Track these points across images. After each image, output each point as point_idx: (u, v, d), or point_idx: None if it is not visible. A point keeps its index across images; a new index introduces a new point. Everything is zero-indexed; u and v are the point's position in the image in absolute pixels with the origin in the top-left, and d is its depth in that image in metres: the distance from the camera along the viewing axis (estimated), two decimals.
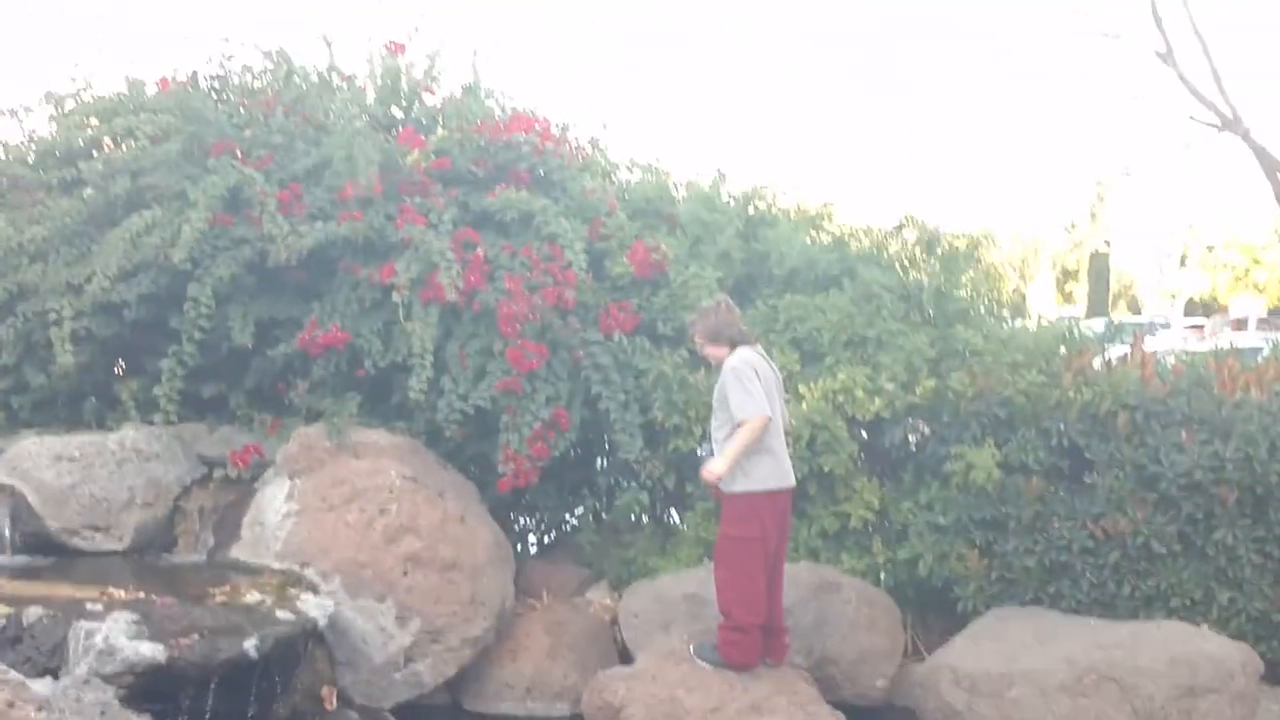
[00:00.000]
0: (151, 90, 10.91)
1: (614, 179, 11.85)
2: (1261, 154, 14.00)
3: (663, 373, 9.65)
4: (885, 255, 10.77)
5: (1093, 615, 8.81)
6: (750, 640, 7.84)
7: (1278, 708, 8.54)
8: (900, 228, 11.14)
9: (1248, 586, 8.70)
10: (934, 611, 9.61)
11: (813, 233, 11.07)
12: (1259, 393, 9.04)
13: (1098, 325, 11.33)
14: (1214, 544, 8.72)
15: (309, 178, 10.18)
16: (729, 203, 11.16)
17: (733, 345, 7.98)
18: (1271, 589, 8.68)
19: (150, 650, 7.17)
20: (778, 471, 7.83)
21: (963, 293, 10.36)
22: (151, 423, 9.91)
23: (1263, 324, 48.75)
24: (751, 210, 11.09)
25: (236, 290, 9.85)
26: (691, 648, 8.04)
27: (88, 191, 10.33)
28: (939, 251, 10.86)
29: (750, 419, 7.69)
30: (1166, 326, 46.68)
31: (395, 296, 9.51)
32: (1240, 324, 48.08)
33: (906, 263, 10.81)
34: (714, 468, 7.85)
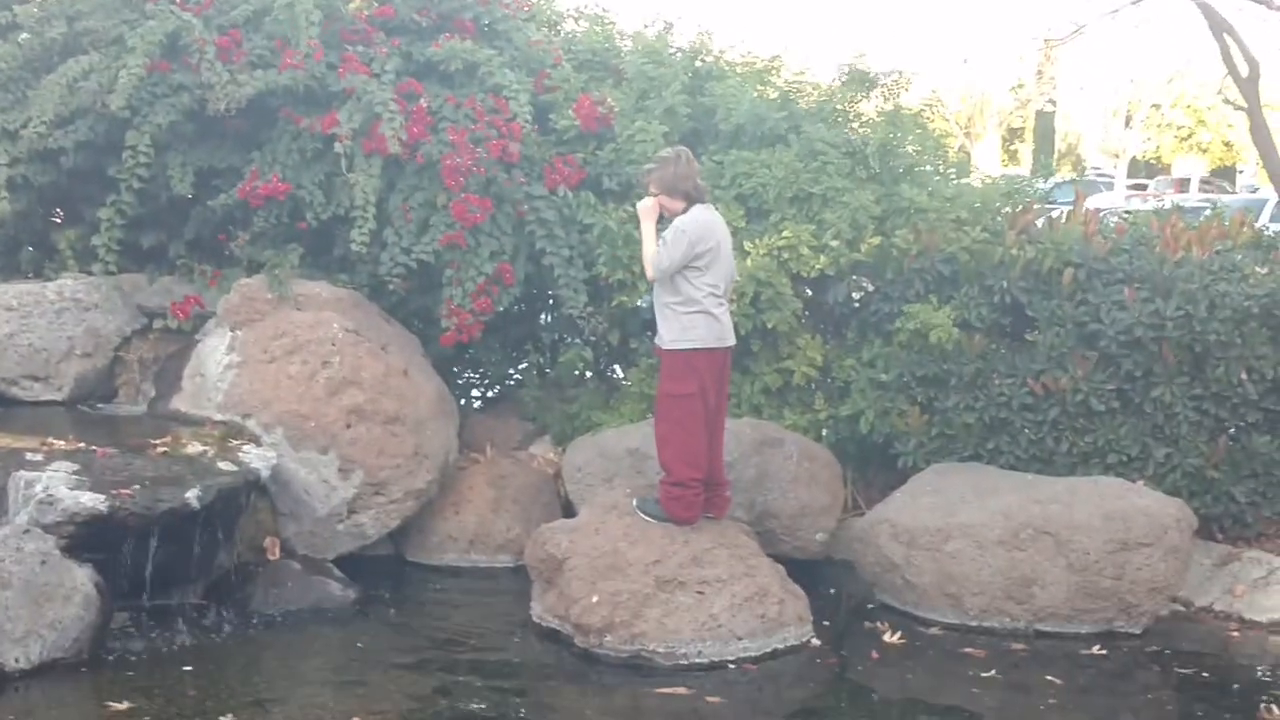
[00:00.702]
0: None
1: (560, 30, 11.71)
2: (1208, 12, 13.99)
3: (607, 228, 9.60)
4: (832, 110, 10.69)
5: (1031, 471, 8.91)
6: (691, 495, 7.87)
7: (1209, 562, 8.71)
8: (847, 81, 11.04)
9: (1184, 443, 8.80)
10: (875, 467, 9.70)
11: (760, 87, 10.97)
12: (1200, 251, 9.09)
13: (1043, 185, 11.36)
14: (1152, 401, 8.81)
15: (249, 25, 9.98)
16: (675, 54, 11.05)
17: (688, 200, 7.85)
18: (1206, 445, 8.79)
19: (91, 500, 7.17)
20: (715, 330, 7.79)
21: (909, 149, 10.33)
22: (90, 273, 9.81)
23: (1205, 184, 48.89)
24: (699, 63, 10.98)
25: (175, 138, 9.70)
26: (634, 502, 8.06)
27: (23, 36, 10.12)
28: (877, 87, 10.84)
29: (654, 267, 7.77)
30: (1110, 186, 46.77)
31: (337, 147, 9.38)
32: (1183, 184, 48.20)
33: (851, 118, 10.76)
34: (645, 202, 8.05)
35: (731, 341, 7.97)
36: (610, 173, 10.02)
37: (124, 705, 6.54)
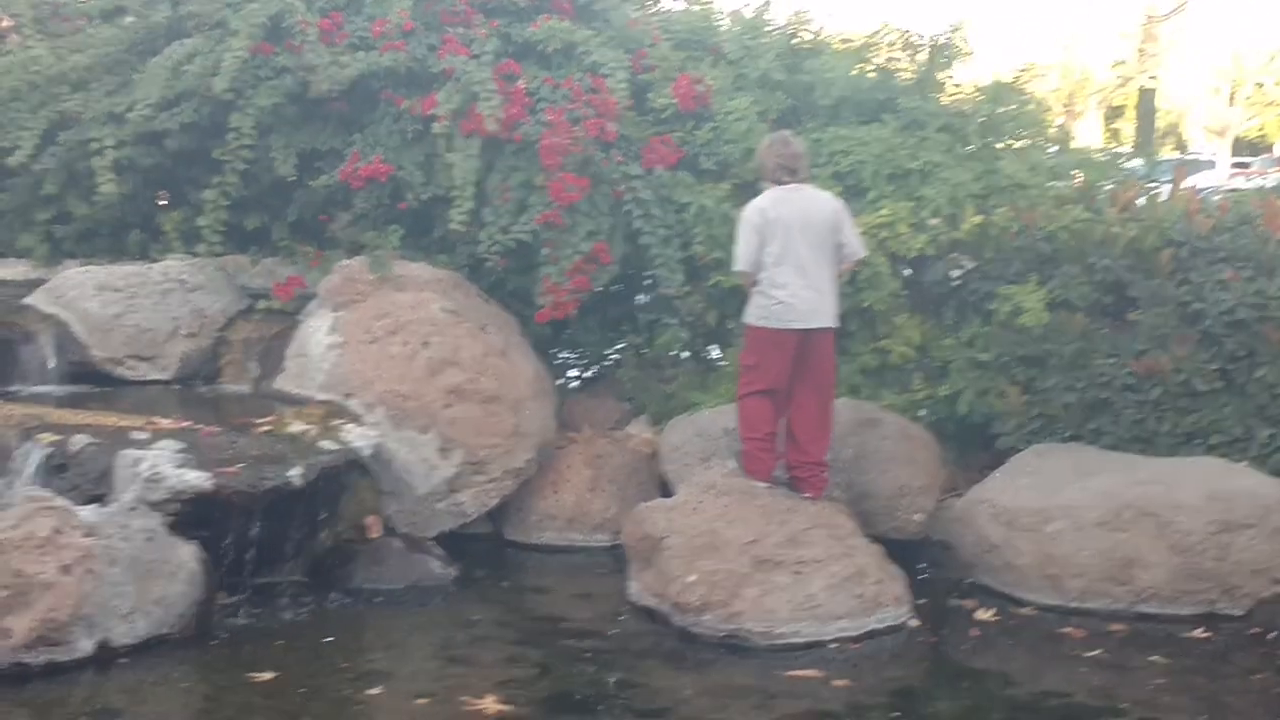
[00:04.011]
0: None
1: (657, 9, 11.70)
2: None
3: (704, 207, 9.59)
4: (929, 84, 10.61)
5: (1132, 452, 8.82)
6: (753, 455, 8.16)
7: None
8: (944, 52, 10.91)
9: None
10: (973, 448, 9.63)
11: (859, 65, 10.90)
12: None
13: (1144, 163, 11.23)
14: (1256, 381, 8.68)
15: (349, 7, 10.10)
16: (773, 32, 10.99)
17: (774, 183, 8.05)
18: None
19: (196, 478, 7.30)
20: (778, 311, 7.95)
21: (1009, 125, 10.24)
22: (195, 254, 9.95)
23: None
24: (796, 40, 10.93)
25: (278, 120, 9.82)
26: (733, 460, 8.43)
27: (129, 19, 10.28)
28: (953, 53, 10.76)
29: (735, 269, 8.26)
30: (1212, 165, 46.12)
31: (436, 128, 9.46)
32: None
33: (949, 92, 10.69)
34: None
35: (801, 325, 7.98)
36: (708, 152, 10.01)
37: (268, 676, 6.68)
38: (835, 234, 8.06)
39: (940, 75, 10.81)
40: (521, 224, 9.43)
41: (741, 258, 8.06)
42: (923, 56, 10.99)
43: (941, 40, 10.92)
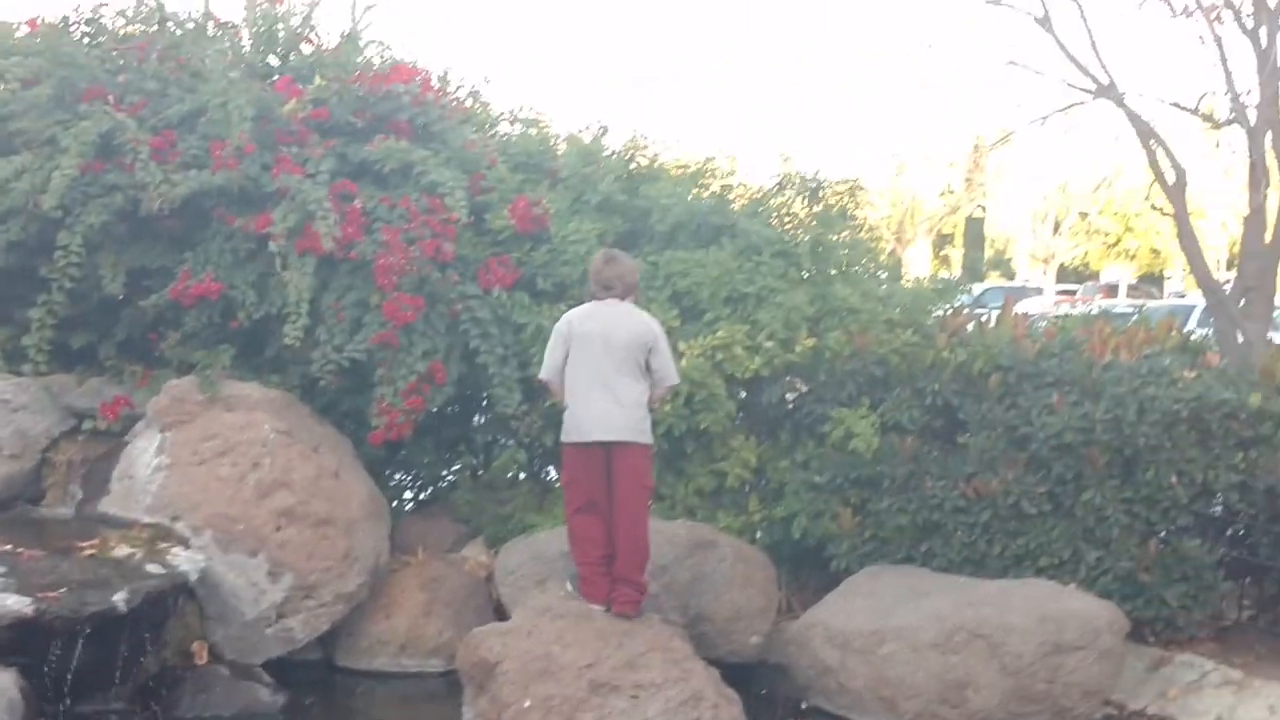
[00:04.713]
0: (22, 32, 10.63)
1: (495, 132, 11.76)
2: (1136, 121, 14.09)
3: (541, 327, 9.59)
4: (766, 209, 10.78)
5: (963, 574, 8.91)
6: (587, 579, 8.14)
7: (1142, 665, 8.70)
8: (782, 184, 11.11)
9: (1115, 546, 8.82)
10: (809, 570, 9.68)
11: (695, 190, 11.04)
12: (1128, 356, 9.18)
13: (976, 290, 11.49)
14: (1083, 504, 8.84)
15: (183, 125, 10.00)
16: (610, 156, 11.10)
17: (594, 299, 8.19)
18: (1138, 549, 8.81)
19: (16, 603, 7.09)
20: (579, 426, 8.00)
21: (842, 251, 10.41)
22: (20, 373, 9.71)
23: (1133, 290, 49.58)
24: (633, 166, 11.04)
25: (108, 239, 9.66)
26: (568, 584, 8.33)
27: None
28: (820, 198, 10.88)
29: (539, 377, 8.40)
30: (1039, 292, 47.30)
31: (271, 246, 9.38)
32: (1111, 290, 48.85)
33: (786, 217, 10.84)
34: None
35: (602, 438, 7.97)
36: (545, 273, 10.04)
37: None
38: (644, 353, 8.05)
39: (774, 203, 10.98)
40: (356, 343, 9.37)
41: (545, 366, 8.18)
42: (757, 186, 11.20)
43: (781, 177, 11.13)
